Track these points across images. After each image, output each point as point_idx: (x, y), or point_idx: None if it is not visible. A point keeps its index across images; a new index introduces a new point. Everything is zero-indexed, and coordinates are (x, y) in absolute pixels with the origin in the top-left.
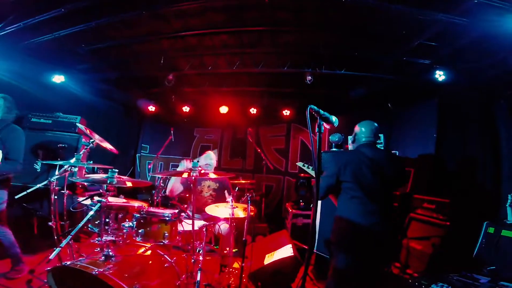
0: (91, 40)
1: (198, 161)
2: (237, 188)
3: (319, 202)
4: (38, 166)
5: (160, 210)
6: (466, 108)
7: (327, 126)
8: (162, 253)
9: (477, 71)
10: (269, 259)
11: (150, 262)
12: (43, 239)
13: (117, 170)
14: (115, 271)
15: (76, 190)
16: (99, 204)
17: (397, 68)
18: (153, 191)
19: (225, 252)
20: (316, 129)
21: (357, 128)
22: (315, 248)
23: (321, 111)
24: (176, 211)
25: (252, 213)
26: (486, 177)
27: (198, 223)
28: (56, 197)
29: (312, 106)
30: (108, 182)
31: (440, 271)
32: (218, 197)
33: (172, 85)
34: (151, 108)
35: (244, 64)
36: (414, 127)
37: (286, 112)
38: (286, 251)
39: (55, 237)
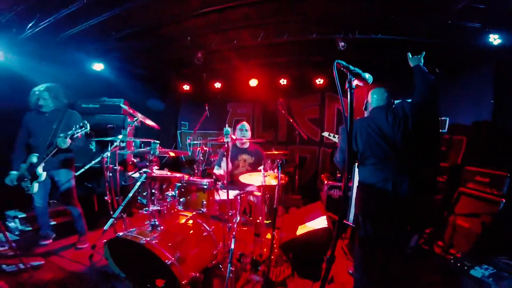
0: (119, 28)
1: (229, 130)
2: (269, 160)
3: (356, 173)
4: (93, 147)
5: (198, 179)
6: None
7: (360, 84)
8: (201, 222)
9: None
10: (301, 230)
11: (191, 231)
12: (102, 216)
13: (158, 142)
14: (160, 240)
15: (127, 167)
16: (144, 175)
17: (442, 32)
18: (194, 165)
19: (257, 221)
20: (347, 85)
21: (369, 95)
22: (349, 220)
23: (351, 66)
24: (212, 179)
25: (283, 181)
26: None
27: (233, 193)
28: (110, 174)
29: (340, 61)
30: (152, 152)
31: (487, 253)
32: (254, 171)
33: (202, 63)
34: (186, 87)
35: (268, 36)
36: (466, 94)
37: (320, 81)
38: (320, 222)
39: (111, 212)
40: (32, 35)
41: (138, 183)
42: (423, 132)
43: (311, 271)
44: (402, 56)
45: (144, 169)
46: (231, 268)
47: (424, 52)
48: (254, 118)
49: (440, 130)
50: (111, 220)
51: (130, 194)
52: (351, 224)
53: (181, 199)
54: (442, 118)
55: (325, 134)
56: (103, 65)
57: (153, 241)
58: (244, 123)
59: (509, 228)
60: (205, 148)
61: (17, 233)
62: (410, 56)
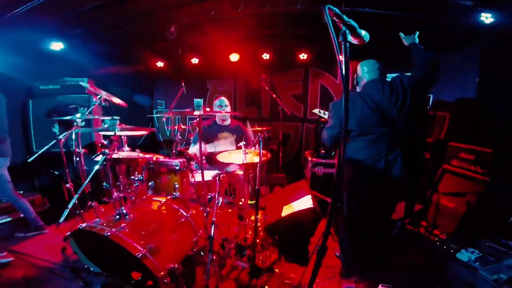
0: (79, 2)
1: (201, 101)
2: (253, 137)
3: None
4: (56, 129)
5: (168, 160)
6: None
7: (355, 41)
8: (178, 208)
9: None
10: (287, 211)
11: (165, 218)
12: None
13: (118, 117)
14: (129, 230)
15: (96, 150)
16: (103, 157)
17: (433, 8)
18: (172, 146)
19: (240, 203)
20: (341, 38)
21: (358, 69)
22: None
23: (345, 17)
24: (185, 159)
25: (265, 158)
26: None
27: (211, 173)
28: (77, 158)
29: (331, 7)
30: (111, 130)
31: (471, 234)
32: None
33: (177, 38)
34: (160, 64)
35: (250, 6)
36: (452, 71)
37: (303, 56)
38: (305, 202)
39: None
40: None
41: (96, 167)
42: (417, 109)
43: (299, 253)
44: (392, 31)
45: (103, 151)
46: (212, 257)
47: (417, 32)
48: (236, 95)
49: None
50: (65, 212)
51: (86, 182)
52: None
53: (150, 183)
54: (428, 95)
55: (316, 111)
56: (62, 44)
57: (120, 231)
58: (223, 98)
59: (493, 209)
60: (183, 127)
61: None
62: (403, 36)
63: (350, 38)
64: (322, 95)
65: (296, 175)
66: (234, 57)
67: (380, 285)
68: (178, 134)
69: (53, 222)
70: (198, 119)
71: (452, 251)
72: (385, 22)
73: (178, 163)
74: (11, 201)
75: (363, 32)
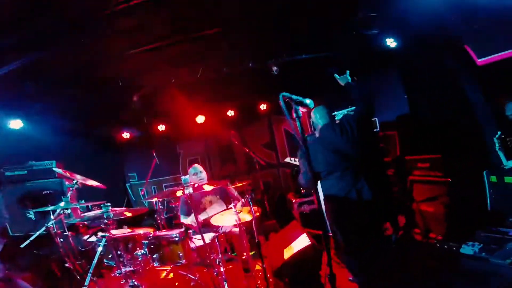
0: (37, 76)
1: (188, 178)
2: (236, 193)
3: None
4: (31, 215)
5: (166, 232)
6: (424, 65)
7: (303, 110)
8: (185, 273)
9: (422, 34)
10: (288, 253)
11: (177, 284)
12: (70, 282)
13: (109, 204)
14: None
15: (79, 230)
16: (104, 240)
17: (351, 43)
18: (155, 215)
19: (243, 258)
20: (294, 115)
21: (312, 115)
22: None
23: (294, 96)
24: (182, 229)
25: (257, 213)
26: (466, 124)
27: (209, 236)
28: (62, 240)
29: (284, 93)
30: (105, 216)
31: (463, 230)
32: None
33: (141, 106)
34: (126, 135)
35: (208, 70)
36: (384, 93)
37: (263, 107)
38: (303, 241)
39: (78, 277)
40: None
41: (100, 249)
42: (366, 138)
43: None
44: (327, 72)
45: (101, 233)
46: None
47: (348, 71)
48: (210, 155)
49: (374, 130)
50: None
51: (95, 262)
52: (330, 234)
53: (154, 256)
54: (373, 119)
55: (287, 159)
56: (21, 121)
57: None
58: (196, 165)
59: (466, 203)
60: (162, 197)
61: None
62: (338, 77)
63: (300, 109)
64: (287, 139)
65: (286, 218)
66: (201, 118)
67: None
68: (159, 204)
69: None
70: (189, 195)
71: (454, 248)
72: (320, 64)
73: (178, 235)
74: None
75: (308, 101)
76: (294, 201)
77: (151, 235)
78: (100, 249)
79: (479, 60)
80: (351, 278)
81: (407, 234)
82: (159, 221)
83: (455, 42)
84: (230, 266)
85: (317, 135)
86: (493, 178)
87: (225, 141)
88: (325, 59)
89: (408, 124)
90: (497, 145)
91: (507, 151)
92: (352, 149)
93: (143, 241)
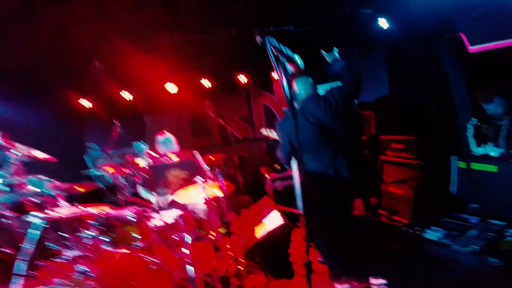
0: None
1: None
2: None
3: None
4: None
5: (120, 212)
6: (411, 50)
7: (292, 68)
8: (144, 256)
9: (416, 19)
10: (260, 231)
11: (135, 269)
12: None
13: (47, 178)
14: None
15: (25, 208)
16: (39, 222)
17: (344, 20)
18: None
19: (211, 237)
20: (281, 70)
21: (294, 86)
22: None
23: (284, 48)
24: (139, 208)
25: (228, 189)
26: (443, 110)
27: (172, 215)
28: (10, 221)
29: (272, 40)
30: (41, 191)
31: (426, 214)
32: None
33: (103, 74)
34: (87, 104)
35: (185, 34)
36: (368, 74)
37: (243, 79)
38: (275, 219)
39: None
40: None
41: (34, 231)
42: (349, 115)
43: (283, 269)
44: (315, 44)
45: (38, 214)
46: None
47: (335, 48)
48: (181, 127)
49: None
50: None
51: (28, 246)
52: (301, 213)
53: (105, 238)
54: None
55: (263, 131)
56: None
57: None
58: (167, 135)
59: (434, 187)
60: (124, 170)
61: None
62: (325, 53)
63: (288, 66)
64: (266, 113)
65: (259, 193)
66: (172, 87)
67: (370, 278)
68: (121, 178)
69: None
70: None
71: (418, 233)
72: (308, 38)
73: (133, 215)
74: None
75: (299, 60)
76: (267, 176)
77: (101, 216)
78: (34, 231)
79: (471, 47)
80: (320, 259)
81: (375, 216)
82: (120, 197)
83: (448, 29)
84: (201, 243)
85: (296, 105)
86: (461, 164)
87: (198, 112)
88: (314, 33)
89: (386, 105)
90: (470, 131)
91: (479, 138)
92: (334, 124)
93: (91, 222)
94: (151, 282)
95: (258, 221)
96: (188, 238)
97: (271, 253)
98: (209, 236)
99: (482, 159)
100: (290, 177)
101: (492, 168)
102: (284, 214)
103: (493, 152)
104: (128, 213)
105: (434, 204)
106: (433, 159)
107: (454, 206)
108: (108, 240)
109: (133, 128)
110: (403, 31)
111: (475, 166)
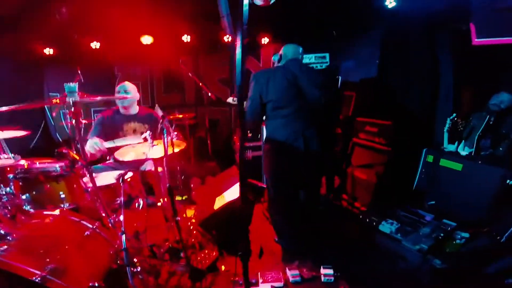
0: None
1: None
2: (174, 125)
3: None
4: None
5: (44, 164)
6: (410, 36)
7: (259, 2)
8: (79, 220)
9: (425, 3)
10: (219, 202)
11: (65, 233)
12: None
13: None
14: (17, 252)
15: None
16: None
17: None
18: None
19: (159, 204)
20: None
21: (283, 49)
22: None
23: None
24: (68, 161)
25: (179, 147)
26: (425, 101)
27: (111, 175)
28: None
29: None
30: None
31: (385, 204)
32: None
33: (68, 20)
34: (49, 51)
35: None
36: (357, 54)
37: (228, 38)
38: (237, 191)
39: None
40: None
41: None
42: (329, 89)
43: (237, 246)
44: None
45: None
46: (135, 269)
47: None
48: (154, 81)
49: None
50: None
51: None
52: (265, 186)
53: (25, 196)
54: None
55: (229, 100)
56: None
57: (3, 257)
58: (125, 83)
59: (398, 177)
60: (83, 121)
61: None
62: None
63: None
64: (247, 80)
65: (229, 161)
66: (147, 39)
67: (321, 267)
68: (77, 130)
69: None
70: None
71: (374, 223)
72: (300, 7)
73: (58, 168)
74: None
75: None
76: (237, 144)
77: (22, 167)
78: None
79: (476, 39)
80: (276, 239)
81: (336, 199)
82: (75, 152)
83: (456, 19)
84: (151, 211)
85: (279, 65)
86: (430, 158)
87: (174, 67)
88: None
89: (370, 88)
90: (447, 126)
91: (453, 134)
92: (312, 91)
93: (8, 176)
94: (83, 248)
95: (220, 192)
96: (139, 203)
97: (228, 227)
98: (157, 204)
99: (451, 156)
100: (261, 148)
101: (457, 166)
102: (250, 187)
103: (463, 150)
104: (53, 167)
105: (394, 195)
106: (404, 148)
107: (414, 200)
108: (28, 198)
109: (102, 80)
110: (408, 13)
111: (443, 162)
